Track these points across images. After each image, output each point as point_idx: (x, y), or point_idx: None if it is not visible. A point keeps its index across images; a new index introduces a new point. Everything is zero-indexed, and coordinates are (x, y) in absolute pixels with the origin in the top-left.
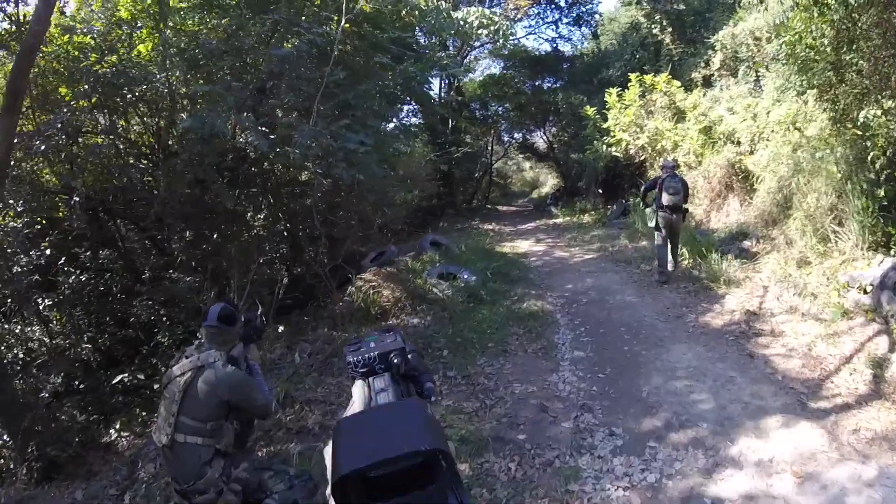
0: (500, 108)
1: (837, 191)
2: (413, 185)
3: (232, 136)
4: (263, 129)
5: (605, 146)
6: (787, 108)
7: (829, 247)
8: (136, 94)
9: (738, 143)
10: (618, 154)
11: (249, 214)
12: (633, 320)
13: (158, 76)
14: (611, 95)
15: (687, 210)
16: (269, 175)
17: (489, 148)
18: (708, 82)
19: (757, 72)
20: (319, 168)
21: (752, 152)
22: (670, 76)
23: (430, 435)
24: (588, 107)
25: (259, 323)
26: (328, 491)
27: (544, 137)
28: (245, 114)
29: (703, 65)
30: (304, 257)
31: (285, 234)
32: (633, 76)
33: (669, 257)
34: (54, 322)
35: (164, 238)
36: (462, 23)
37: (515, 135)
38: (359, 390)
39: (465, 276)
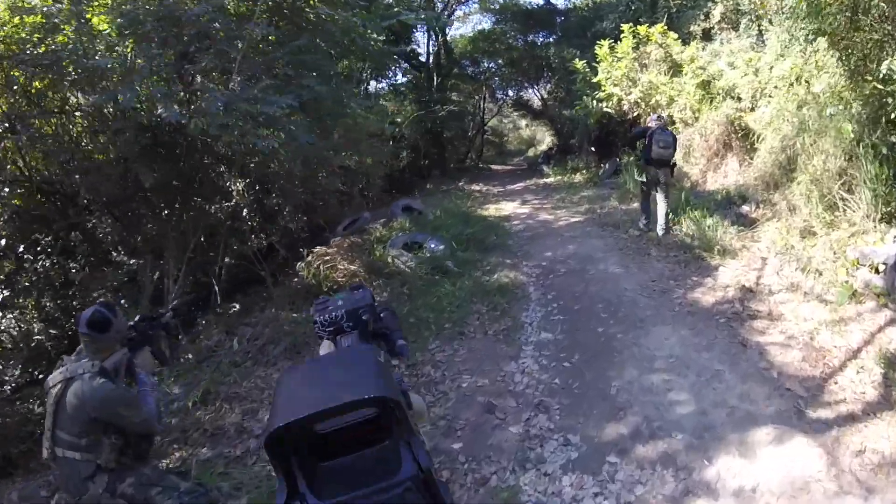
0: (491, 65)
1: (848, 153)
2: (362, 149)
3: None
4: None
5: (595, 102)
6: (793, 62)
7: (836, 216)
8: (78, 72)
9: (739, 98)
10: (609, 110)
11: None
12: (612, 295)
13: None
14: (601, 48)
15: (675, 165)
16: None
17: (481, 106)
18: (707, 36)
19: (760, 25)
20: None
21: (752, 109)
22: (666, 28)
23: (378, 383)
24: (577, 60)
25: (169, 322)
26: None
27: (538, 94)
28: (160, 82)
29: (702, 17)
30: (275, 228)
31: (255, 205)
32: (625, 27)
33: (660, 219)
34: (14, 310)
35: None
36: None
37: (509, 92)
38: (324, 349)
39: (433, 246)
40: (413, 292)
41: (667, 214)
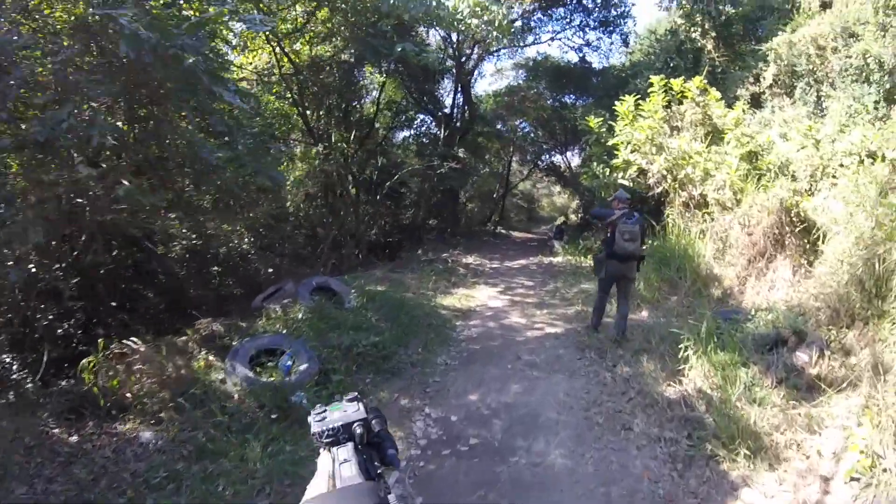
0: (522, 124)
1: None
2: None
3: None
4: None
5: (605, 170)
6: (862, 132)
7: None
8: None
9: (794, 177)
10: (625, 181)
11: None
12: None
13: None
14: (623, 103)
15: (643, 258)
16: None
17: (507, 167)
18: (757, 102)
19: (819, 90)
20: None
21: (811, 192)
22: (707, 83)
23: None
24: (592, 117)
25: None
26: None
27: (566, 160)
28: None
29: (751, 80)
30: None
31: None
32: (655, 79)
33: (620, 320)
34: None
35: None
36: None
37: (542, 156)
38: (323, 460)
39: (288, 363)
40: (199, 450)
41: (625, 317)
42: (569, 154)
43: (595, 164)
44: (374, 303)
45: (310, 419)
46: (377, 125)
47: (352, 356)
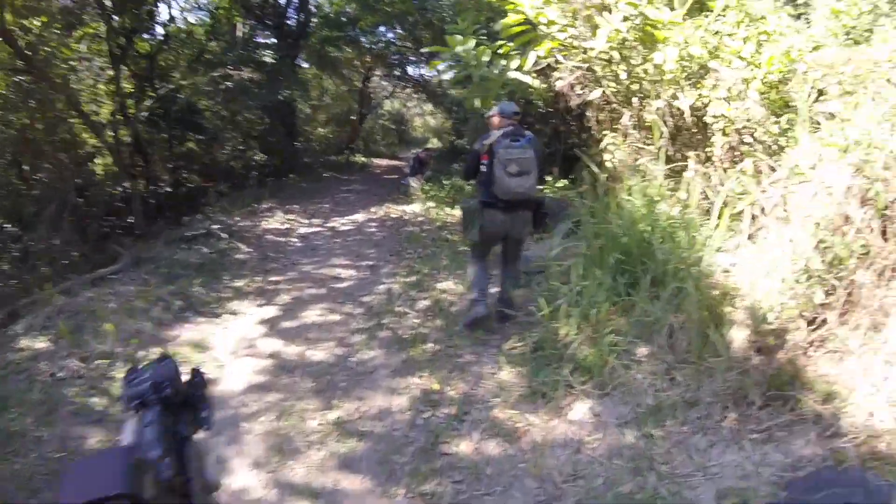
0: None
1: None
2: None
3: None
4: None
5: (484, 55)
6: None
7: None
8: None
9: None
10: (523, 76)
11: None
12: None
13: None
14: None
15: (542, 207)
16: None
17: (363, 81)
18: None
19: None
20: None
21: None
22: None
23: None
24: None
25: None
26: None
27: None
28: None
29: None
30: None
31: None
32: None
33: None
34: None
35: None
36: None
37: (408, 69)
38: (130, 425)
39: None
40: None
41: (509, 292)
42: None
43: (464, 42)
44: None
45: (121, 383)
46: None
47: None
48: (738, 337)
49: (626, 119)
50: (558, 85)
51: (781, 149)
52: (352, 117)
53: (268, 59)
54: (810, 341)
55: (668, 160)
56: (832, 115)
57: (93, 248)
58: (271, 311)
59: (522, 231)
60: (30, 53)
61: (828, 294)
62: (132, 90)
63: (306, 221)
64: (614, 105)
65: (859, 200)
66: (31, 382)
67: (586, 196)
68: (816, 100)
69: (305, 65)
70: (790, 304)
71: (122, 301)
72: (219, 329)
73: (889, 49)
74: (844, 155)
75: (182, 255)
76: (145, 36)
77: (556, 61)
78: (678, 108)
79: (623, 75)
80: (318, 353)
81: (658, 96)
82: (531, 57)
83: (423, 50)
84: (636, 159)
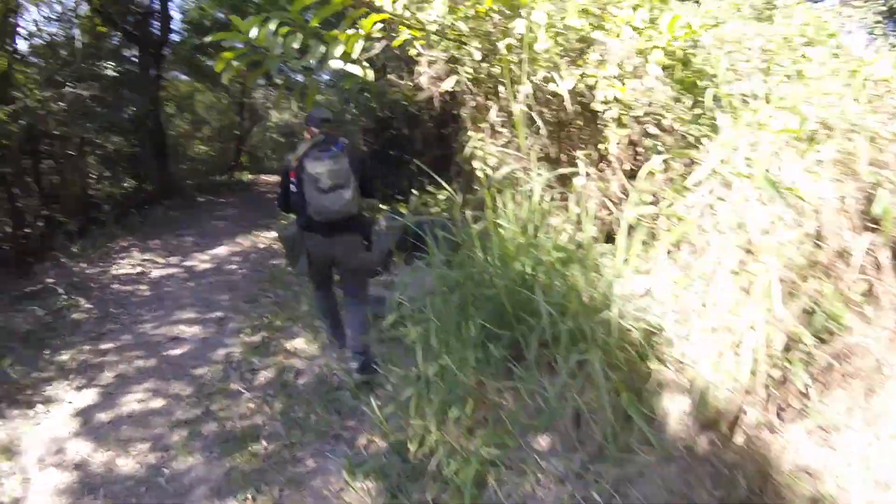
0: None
1: None
2: None
3: None
4: None
5: (290, 41)
6: None
7: None
8: None
9: None
10: (351, 69)
11: None
12: None
13: None
14: None
15: (367, 226)
16: None
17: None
18: None
19: None
20: None
21: None
22: None
23: None
24: None
25: None
26: None
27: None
28: None
29: None
30: None
31: None
32: None
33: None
34: None
35: None
36: None
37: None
38: None
39: None
40: None
41: (359, 333)
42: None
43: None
44: None
45: None
46: None
47: None
48: (674, 411)
49: (494, 113)
50: (420, 80)
51: (698, 140)
52: (235, 132)
53: (110, 73)
54: (781, 411)
55: (551, 163)
56: (752, 96)
57: None
58: (89, 397)
59: (351, 258)
60: None
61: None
62: None
63: (163, 261)
64: (477, 97)
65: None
66: None
67: (454, 214)
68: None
69: (184, 77)
70: (746, 360)
71: None
72: (30, 425)
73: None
74: (812, 146)
75: (11, 320)
76: None
77: (417, 52)
78: (555, 95)
79: (477, 55)
80: (128, 463)
81: (526, 80)
82: (360, 41)
83: (207, 39)
84: (508, 167)
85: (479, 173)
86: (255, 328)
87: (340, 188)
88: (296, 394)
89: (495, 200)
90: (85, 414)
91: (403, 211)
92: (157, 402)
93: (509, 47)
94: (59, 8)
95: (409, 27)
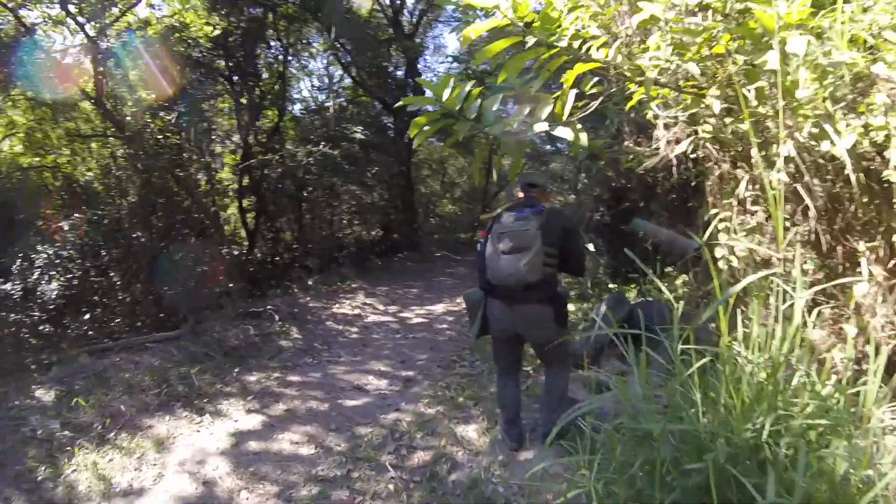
0: None
1: None
2: None
3: None
4: None
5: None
6: None
7: None
8: None
9: None
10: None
11: None
12: None
13: None
14: None
15: (559, 299)
16: None
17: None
18: None
19: None
20: None
21: None
22: None
23: None
24: None
25: None
26: None
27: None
28: None
29: None
30: None
31: None
32: None
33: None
34: None
35: None
36: None
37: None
38: None
39: None
40: None
41: (554, 406)
42: None
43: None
44: None
45: None
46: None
47: None
48: None
49: (743, 186)
50: (659, 145)
51: None
52: (482, 194)
53: (358, 136)
54: None
55: (820, 256)
56: None
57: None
58: (252, 422)
59: (536, 333)
60: None
61: None
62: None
63: (381, 308)
64: (722, 163)
65: None
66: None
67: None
68: None
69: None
70: None
71: (134, 374)
72: (191, 429)
73: None
74: None
75: (225, 333)
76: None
77: (654, 115)
78: (826, 157)
79: (716, 105)
80: (249, 499)
81: (786, 138)
82: (570, 97)
83: (397, 105)
84: (764, 271)
85: (722, 264)
86: (435, 399)
87: (519, 252)
88: (440, 490)
89: (735, 312)
90: (241, 437)
91: (630, 294)
92: (307, 450)
93: (760, 93)
94: (326, 80)
95: (628, 79)
